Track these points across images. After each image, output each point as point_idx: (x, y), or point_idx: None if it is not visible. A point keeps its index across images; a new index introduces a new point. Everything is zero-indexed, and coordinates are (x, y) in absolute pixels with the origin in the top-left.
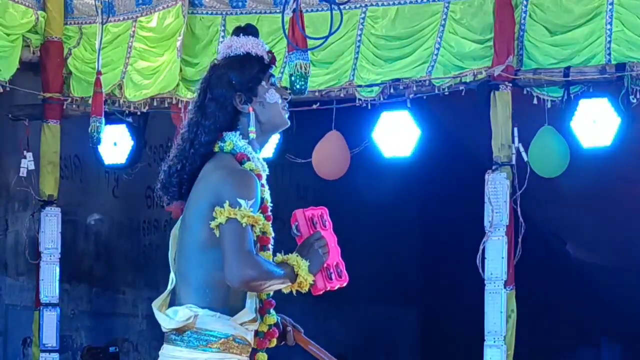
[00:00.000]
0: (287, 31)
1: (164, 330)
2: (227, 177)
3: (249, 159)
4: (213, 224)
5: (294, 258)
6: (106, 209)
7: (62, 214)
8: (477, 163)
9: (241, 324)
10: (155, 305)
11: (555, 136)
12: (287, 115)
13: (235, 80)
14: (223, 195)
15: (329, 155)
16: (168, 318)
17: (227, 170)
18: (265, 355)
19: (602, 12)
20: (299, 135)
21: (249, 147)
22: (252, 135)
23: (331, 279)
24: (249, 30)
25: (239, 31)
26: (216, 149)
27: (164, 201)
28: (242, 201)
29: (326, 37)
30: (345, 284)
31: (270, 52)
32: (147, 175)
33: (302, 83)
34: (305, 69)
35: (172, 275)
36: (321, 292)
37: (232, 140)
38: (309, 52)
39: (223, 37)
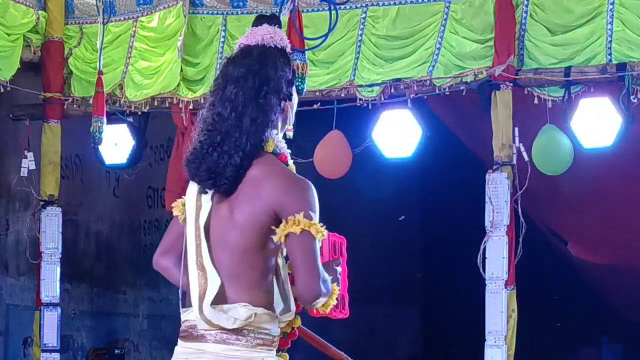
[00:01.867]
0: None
1: (208, 328)
2: (293, 186)
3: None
4: (282, 232)
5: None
6: (107, 209)
7: (62, 214)
8: (478, 163)
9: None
10: (208, 303)
11: (558, 133)
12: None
13: (287, 75)
14: (291, 204)
15: (330, 155)
16: (232, 318)
17: (289, 177)
18: (287, 355)
19: (603, 12)
20: (299, 135)
21: (286, 147)
22: (290, 134)
23: (336, 307)
24: (279, 22)
25: (271, 21)
26: None
27: (201, 188)
28: (313, 214)
29: (325, 36)
30: (343, 318)
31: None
32: (148, 175)
33: (300, 84)
34: (303, 70)
35: (196, 272)
36: (317, 316)
37: (274, 140)
38: (307, 52)
39: (224, 37)
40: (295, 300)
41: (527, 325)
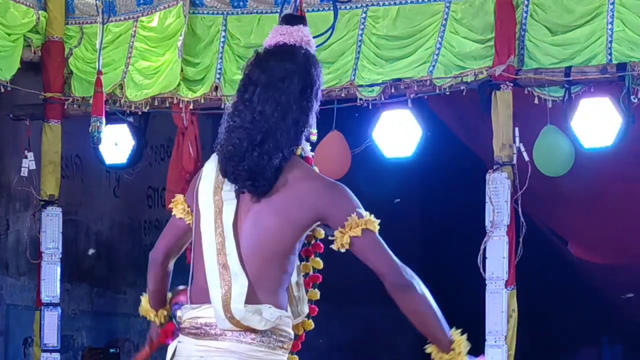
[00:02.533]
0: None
1: (232, 328)
2: (333, 190)
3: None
4: (342, 239)
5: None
6: (107, 209)
7: (63, 214)
8: (478, 163)
9: None
10: (238, 303)
11: (559, 134)
12: None
13: (321, 79)
14: (339, 209)
15: (330, 155)
16: (265, 319)
17: (326, 181)
18: (297, 357)
19: (603, 12)
20: None
21: (309, 149)
22: (314, 138)
23: None
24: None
25: (306, 23)
26: None
27: (255, 190)
28: (361, 210)
29: (331, 31)
30: None
31: None
32: (148, 175)
33: None
34: None
35: (217, 270)
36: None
37: (303, 144)
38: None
39: (224, 37)
40: (310, 302)
41: (527, 325)
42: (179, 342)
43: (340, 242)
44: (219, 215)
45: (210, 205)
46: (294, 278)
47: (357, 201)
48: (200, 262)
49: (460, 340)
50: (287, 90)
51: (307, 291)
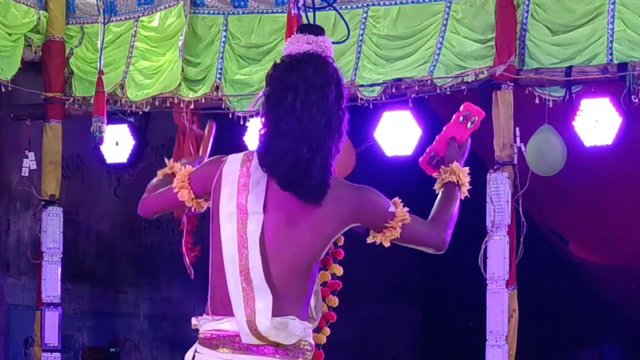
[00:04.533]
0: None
1: (258, 342)
2: (365, 194)
3: None
4: (386, 242)
5: (455, 171)
6: (108, 208)
7: (63, 214)
8: (479, 163)
9: None
10: (264, 318)
11: (553, 135)
12: None
13: None
14: (375, 212)
15: None
16: (291, 334)
17: (352, 188)
18: None
19: (604, 12)
20: None
21: None
22: None
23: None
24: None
25: (324, 32)
26: None
27: (311, 197)
28: (391, 205)
29: (346, 38)
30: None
31: None
32: (149, 175)
33: None
34: None
35: (240, 282)
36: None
37: None
38: None
39: (225, 37)
40: (329, 309)
41: (528, 325)
42: (196, 352)
43: (381, 241)
44: (242, 228)
45: (233, 216)
46: (317, 286)
47: (385, 198)
48: (221, 274)
49: (459, 176)
50: (327, 99)
51: (324, 299)
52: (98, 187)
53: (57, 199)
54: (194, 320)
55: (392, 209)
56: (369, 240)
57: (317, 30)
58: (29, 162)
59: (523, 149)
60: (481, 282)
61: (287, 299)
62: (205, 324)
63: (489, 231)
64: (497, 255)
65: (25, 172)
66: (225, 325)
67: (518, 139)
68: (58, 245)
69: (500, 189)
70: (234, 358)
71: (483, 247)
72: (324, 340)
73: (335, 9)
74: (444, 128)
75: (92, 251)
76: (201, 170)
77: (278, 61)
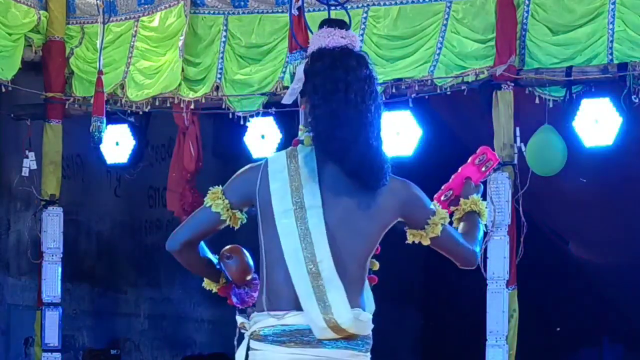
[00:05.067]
0: (293, 30)
1: (332, 336)
2: (412, 190)
3: None
4: (426, 237)
5: (477, 203)
6: (108, 208)
7: (64, 214)
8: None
9: None
10: (342, 310)
11: (553, 135)
12: None
13: None
14: (420, 207)
15: None
16: (367, 324)
17: (400, 181)
18: None
19: (604, 12)
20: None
21: None
22: None
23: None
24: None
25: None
26: None
27: (375, 183)
28: (432, 205)
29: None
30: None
31: None
32: (149, 175)
33: None
34: None
35: (307, 275)
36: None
37: None
38: None
39: (225, 36)
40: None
41: (528, 325)
42: (252, 349)
43: (420, 240)
44: (302, 222)
45: (290, 211)
46: None
47: (426, 196)
48: (280, 270)
49: (480, 209)
50: (373, 90)
51: None
52: (98, 187)
53: (57, 199)
54: (240, 320)
55: (432, 207)
56: (409, 239)
57: (345, 25)
58: (29, 162)
59: (523, 149)
60: (481, 282)
61: (352, 291)
62: (262, 321)
63: (489, 231)
64: (498, 255)
65: (25, 172)
66: (291, 319)
67: (518, 139)
68: (58, 245)
69: (500, 189)
70: (306, 352)
71: (483, 246)
72: None
73: (344, 8)
74: (460, 168)
75: (93, 251)
76: (236, 180)
77: (315, 55)
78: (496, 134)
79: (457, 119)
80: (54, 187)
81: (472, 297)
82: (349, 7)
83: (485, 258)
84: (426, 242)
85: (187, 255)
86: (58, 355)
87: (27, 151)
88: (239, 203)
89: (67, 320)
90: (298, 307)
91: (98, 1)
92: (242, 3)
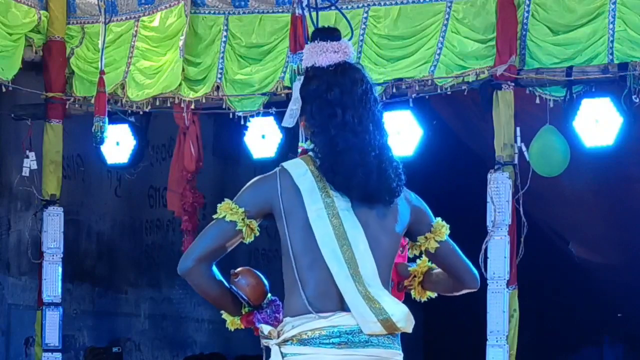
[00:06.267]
0: (296, 30)
1: (382, 333)
2: (419, 198)
3: None
4: (430, 244)
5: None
6: (108, 208)
7: (64, 214)
8: (480, 163)
9: None
10: (394, 309)
11: (555, 135)
12: None
13: None
14: (425, 214)
15: None
16: (412, 321)
17: (405, 189)
18: None
19: (605, 12)
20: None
21: None
22: None
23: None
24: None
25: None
26: None
27: (384, 198)
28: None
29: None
30: None
31: None
32: (150, 174)
33: None
34: None
35: (351, 280)
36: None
37: None
38: None
39: (226, 36)
40: None
41: (528, 325)
42: (293, 354)
43: (427, 246)
44: (336, 221)
45: (322, 210)
46: None
47: None
48: (319, 270)
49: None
50: (371, 105)
51: None
52: (99, 187)
53: (57, 199)
54: (267, 328)
55: (435, 218)
56: (413, 251)
57: (336, 34)
58: (30, 162)
59: (524, 148)
60: (482, 281)
61: (384, 292)
62: (307, 323)
63: (489, 231)
64: (498, 255)
65: (26, 172)
66: (339, 320)
67: (519, 139)
68: (59, 245)
69: (501, 188)
70: (358, 352)
71: (484, 246)
72: None
73: (338, 9)
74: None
75: (93, 251)
76: (249, 190)
77: (309, 74)
78: (496, 134)
79: (457, 119)
80: (54, 187)
81: (473, 297)
82: (349, 7)
83: (485, 258)
84: (432, 248)
85: (201, 276)
86: (58, 355)
87: (27, 151)
88: (256, 212)
89: (67, 320)
90: (343, 308)
91: (99, 1)
92: (243, 3)
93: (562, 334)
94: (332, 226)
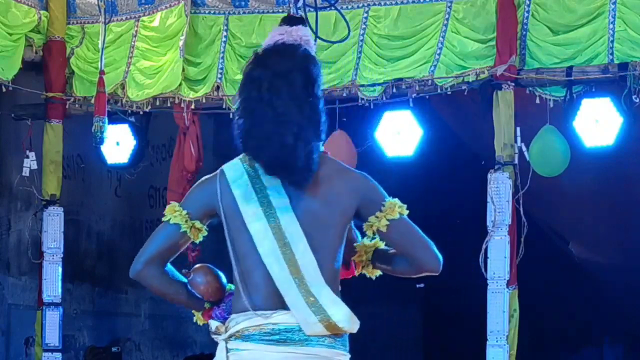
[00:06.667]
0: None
1: (322, 332)
2: (368, 179)
3: None
4: (380, 223)
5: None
6: (109, 208)
7: (64, 214)
8: (480, 162)
9: None
10: (338, 304)
11: (556, 135)
12: None
13: (321, 78)
14: (375, 195)
15: (336, 155)
16: (357, 320)
17: (356, 171)
18: None
19: (605, 12)
20: None
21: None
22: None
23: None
24: (304, 25)
25: (305, 24)
26: None
27: (299, 180)
28: (389, 197)
29: (346, 38)
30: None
31: None
32: (150, 174)
33: None
34: None
35: (289, 275)
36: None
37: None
38: None
39: (226, 36)
40: None
41: (528, 325)
42: (236, 350)
43: (377, 226)
44: (273, 221)
45: (259, 212)
46: None
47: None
48: (259, 271)
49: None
50: (293, 85)
51: None
52: (99, 187)
53: (57, 199)
54: (215, 323)
55: (388, 198)
56: (366, 231)
57: (292, 21)
58: (30, 162)
59: (524, 148)
60: (482, 281)
61: (334, 288)
62: (247, 320)
63: (489, 231)
64: (498, 255)
65: (26, 172)
66: (279, 317)
67: (519, 139)
68: (59, 245)
69: (501, 188)
70: (297, 350)
71: (484, 246)
72: None
73: (336, 8)
74: None
75: (93, 251)
76: (193, 192)
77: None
78: (497, 134)
79: (457, 119)
80: (54, 187)
81: (473, 297)
82: (349, 7)
83: (485, 258)
84: (383, 226)
85: (152, 277)
86: (59, 355)
87: (27, 151)
88: (198, 213)
89: (67, 320)
90: (284, 307)
91: (99, 1)
92: (243, 3)
93: (562, 334)
94: (270, 227)
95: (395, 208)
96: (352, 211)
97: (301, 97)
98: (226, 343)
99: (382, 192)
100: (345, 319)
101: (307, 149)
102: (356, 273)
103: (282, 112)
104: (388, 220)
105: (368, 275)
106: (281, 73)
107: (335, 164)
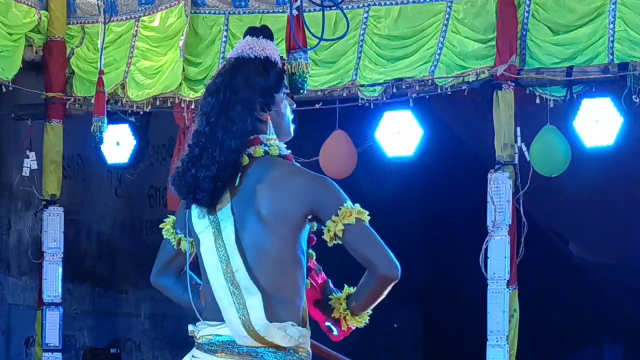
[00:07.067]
0: (292, 29)
1: (256, 345)
2: (321, 181)
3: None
4: (335, 227)
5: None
6: (109, 208)
7: (64, 214)
8: (480, 162)
9: None
10: (259, 320)
11: (557, 135)
12: (293, 128)
13: (260, 85)
14: (330, 199)
15: (336, 154)
16: (288, 336)
17: (311, 174)
18: None
19: (605, 12)
20: (300, 134)
21: (286, 149)
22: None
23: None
24: (266, 33)
25: (256, 32)
26: (259, 154)
27: (182, 204)
28: (350, 202)
29: (343, 36)
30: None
31: (282, 59)
32: (150, 174)
33: (302, 83)
34: (305, 69)
35: (228, 290)
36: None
37: (277, 145)
38: (309, 52)
39: (226, 36)
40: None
41: (528, 325)
42: (194, 357)
43: (334, 230)
44: (217, 234)
45: (208, 226)
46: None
47: (345, 194)
48: (208, 284)
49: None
50: (213, 104)
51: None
52: (99, 187)
53: (58, 199)
54: (190, 327)
55: (345, 203)
56: (325, 237)
57: (244, 34)
58: (30, 162)
59: (524, 148)
60: (482, 281)
61: (278, 299)
62: (203, 329)
63: (490, 231)
64: (498, 255)
65: (26, 172)
66: (222, 330)
67: (519, 139)
68: (59, 245)
69: (501, 188)
70: None
71: (484, 246)
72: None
73: (339, 8)
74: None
75: (93, 251)
76: (177, 211)
77: None
78: (497, 134)
79: (457, 119)
80: (54, 187)
81: (473, 297)
82: (349, 7)
83: (486, 258)
84: (339, 231)
85: (165, 288)
86: (59, 355)
87: (27, 151)
88: (182, 230)
89: (67, 320)
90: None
91: (99, 1)
92: (243, 3)
93: (562, 334)
94: (214, 241)
95: (353, 213)
96: (299, 216)
97: (218, 115)
98: (195, 347)
99: (340, 196)
100: (262, 327)
101: (207, 170)
102: (344, 328)
103: (194, 136)
104: (344, 224)
105: (359, 326)
106: (209, 93)
107: (284, 169)
